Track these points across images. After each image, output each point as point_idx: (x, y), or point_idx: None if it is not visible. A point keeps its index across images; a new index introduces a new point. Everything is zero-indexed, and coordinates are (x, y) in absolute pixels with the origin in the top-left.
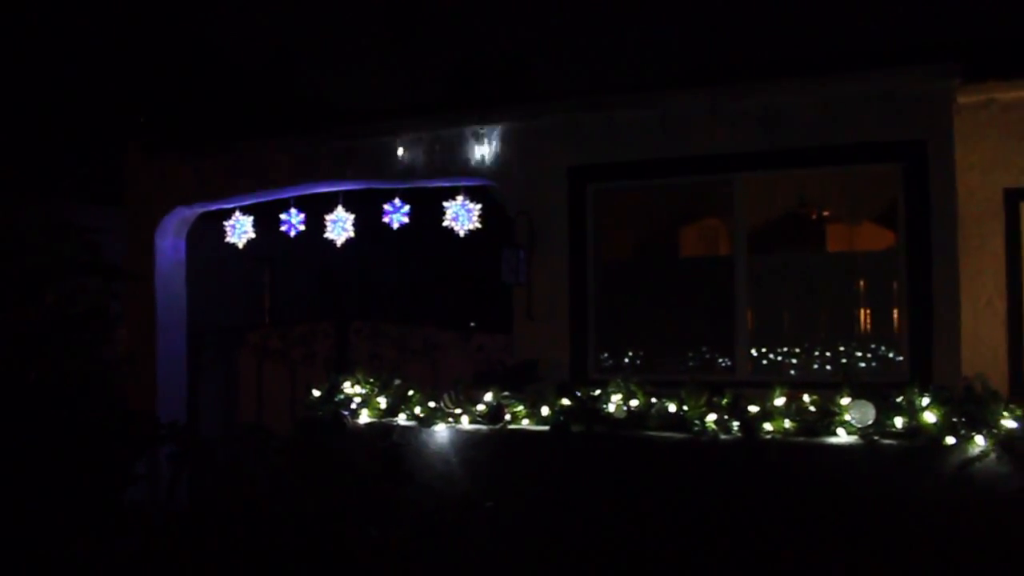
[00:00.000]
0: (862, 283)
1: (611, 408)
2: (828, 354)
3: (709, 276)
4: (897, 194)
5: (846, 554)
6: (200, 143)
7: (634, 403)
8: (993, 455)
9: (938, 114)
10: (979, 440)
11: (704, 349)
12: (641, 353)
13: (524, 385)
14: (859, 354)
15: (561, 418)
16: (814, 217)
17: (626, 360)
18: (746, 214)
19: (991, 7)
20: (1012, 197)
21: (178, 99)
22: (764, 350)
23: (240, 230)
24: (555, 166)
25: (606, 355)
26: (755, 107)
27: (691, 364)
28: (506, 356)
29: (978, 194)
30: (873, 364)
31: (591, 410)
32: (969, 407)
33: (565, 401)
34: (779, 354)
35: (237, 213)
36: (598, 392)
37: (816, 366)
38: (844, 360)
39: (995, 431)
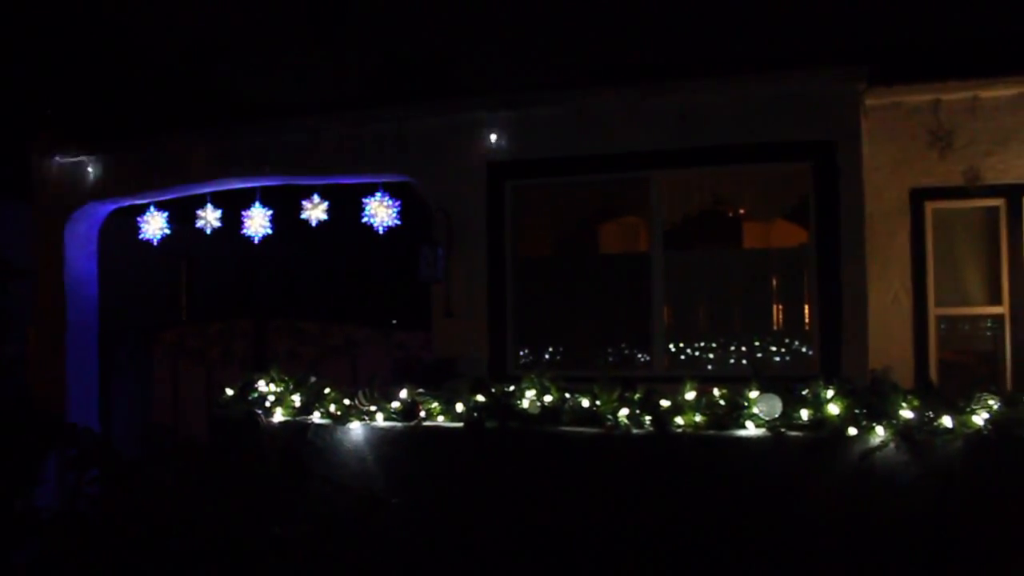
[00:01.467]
0: (776, 279)
1: (525, 404)
2: (744, 349)
3: (627, 272)
4: (808, 192)
5: (756, 544)
6: (113, 137)
7: (548, 399)
8: (892, 445)
9: (846, 115)
10: (879, 431)
11: (623, 345)
12: (561, 349)
13: (443, 382)
14: (773, 348)
15: (475, 414)
16: (731, 215)
17: (546, 356)
18: (663, 211)
19: (900, 16)
20: (917, 196)
21: (91, 92)
22: (682, 345)
23: (155, 226)
24: (474, 163)
25: (526, 351)
26: (672, 106)
27: (611, 360)
28: (427, 353)
29: (886, 193)
30: (787, 358)
31: (505, 406)
32: (871, 399)
33: (479, 397)
34: (696, 349)
35: (152, 209)
36: (512, 388)
37: (732, 360)
38: (759, 354)
39: (894, 422)
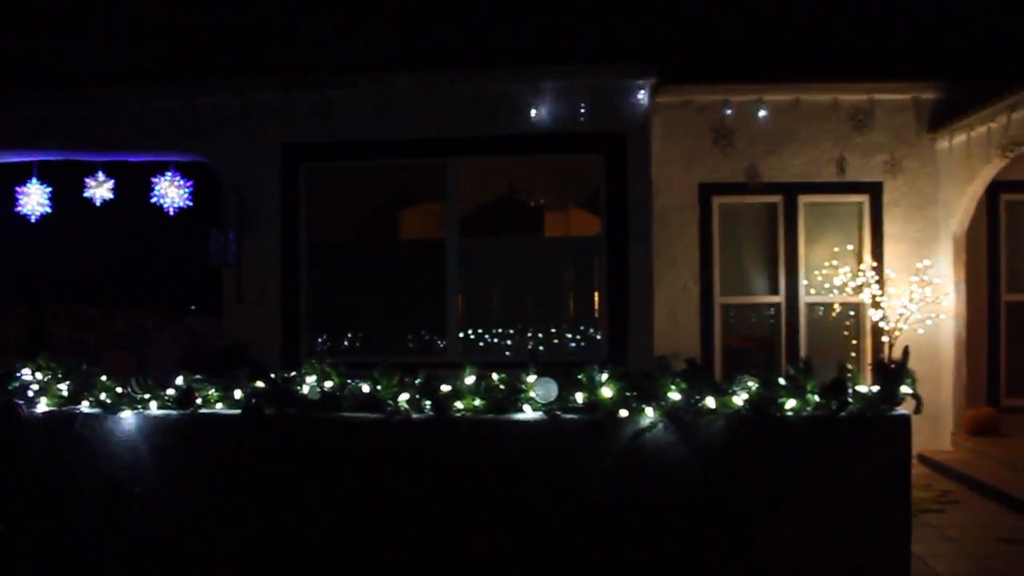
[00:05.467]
0: (571, 268)
1: (305, 390)
2: (540, 335)
3: (425, 259)
4: (600, 183)
5: (535, 524)
6: None
7: (328, 384)
8: (661, 425)
9: (637, 110)
10: (649, 412)
11: (423, 331)
12: (360, 336)
13: (233, 369)
14: (568, 335)
15: (253, 401)
16: (532, 204)
17: (344, 343)
18: (460, 198)
19: (694, 19)
20: (706, 191)
21: None
22: (480, 331)
23: None
24: (269, 144)
25: (324, 338)
26: (469, 94)
27: (411, 346)
28: (219, 340)
29: (678, 187)
30: (581, 344)
31: (285, 392)
32: (642, 382)
33: (259, 384)
34: (493, 335)
35: None
36: (293, 374)
37: (530, 347)
38: (555, 341)
39: (663, 403)
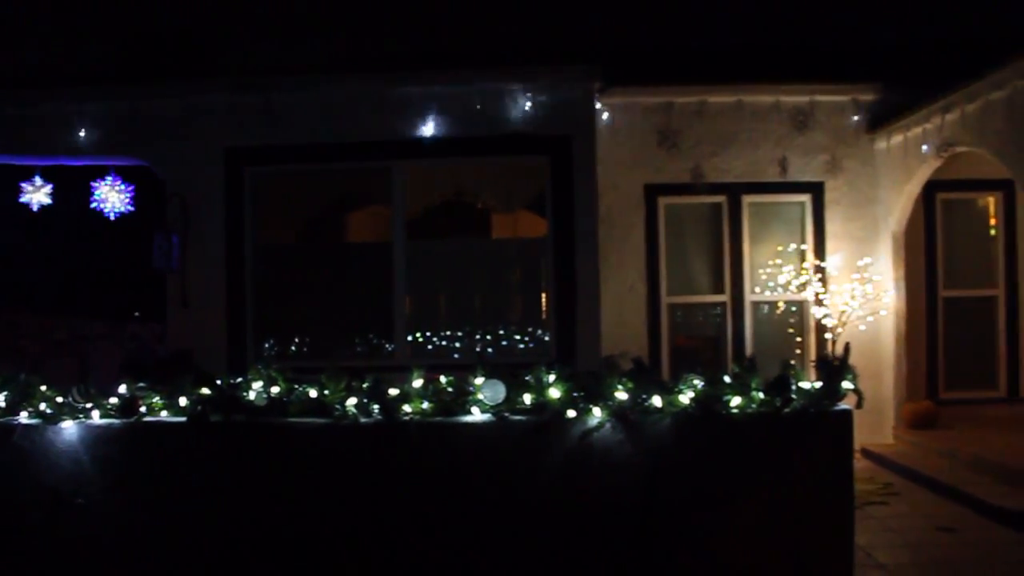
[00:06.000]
0: (519, 269)
1: (252, 396)
2: (488, 337)
3: (373, 262)
4: (546, 185)
5: (485, 526)
6: None
7: (275, 390)
8: (608, 425)
9: (583, 113)
10: (596, 412)
11: (371, 335)
12: (308, 340)
13: (178, 376)
14: (517, 337)
15: (199, 408)
16: (479, 206)
17: (292, 347)
18: (406, 201)
19: (640, 23)
20: (651, 192)
21: None
22: (428, 334)
23: None
24: (213, 147)
25: (271, 342)
26: (415, 97)
27: (359, 350)
28: (164, 346)
29: (623, 188)
30: (530, 345)
31: (231, 398)
32: (589, 382)
33: (204, 390)
34: (442, 338)
35: None
36: (239, 380)
37: (478, 349)
38: (504, 342)
39: (610, 403)
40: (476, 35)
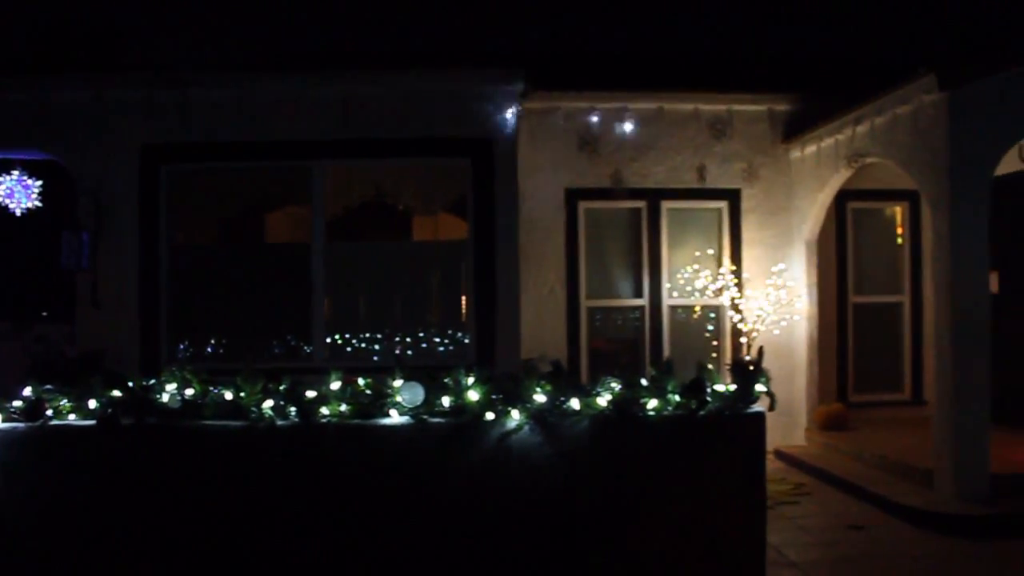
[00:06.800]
0: (439, 272)
1: (165, 398)
2: (407, 339)
3: (291, 263)
4: (467, 188)
5: (403, 530)
6: None
7: (190, 392)
8: (526, 427)
9: (504, 116)
10: (515, 414)
11: (289, 336)
12: (224, 342)
13: (87, 378)
14: (437, 339)
15: (109, 410)
16: (400, 208)
17: (208, 349)
18: (325, 201)
19: (563, 28)
20: (572, 196)
21: None
22: (348, 336)
23: None
24: (127, 144)
25: (186, 344)
26: (335, 96)
27: (277, 351)
28: (73, 347)
29: (544, 192)
30: (451, 348)
31: (144, 401)
32: (507, 385)
33: (115, 392)
34: (361, 340)
35: None
36: (152, 382)
37: (398, 351)
38: (423, 345)
39: (529, 406)
40: (399, 36)
